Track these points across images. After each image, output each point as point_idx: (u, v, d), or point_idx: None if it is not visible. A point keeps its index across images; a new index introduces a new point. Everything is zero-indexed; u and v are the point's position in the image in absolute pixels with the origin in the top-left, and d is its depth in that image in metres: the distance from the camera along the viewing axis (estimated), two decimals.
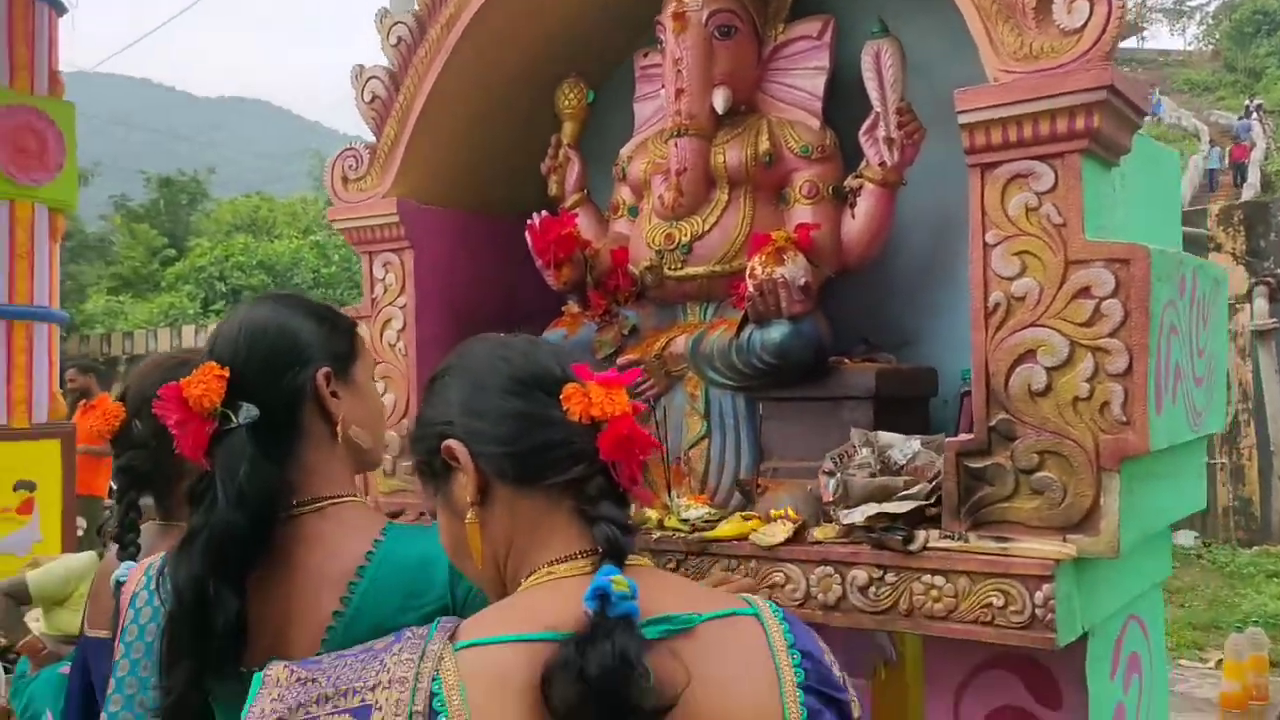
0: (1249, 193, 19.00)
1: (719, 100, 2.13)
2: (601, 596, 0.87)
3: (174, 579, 1.26)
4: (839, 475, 1.82)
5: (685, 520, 1.96)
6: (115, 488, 2.11)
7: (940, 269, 2.17)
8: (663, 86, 2.22)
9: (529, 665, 0.87)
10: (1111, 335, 1.59)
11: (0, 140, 4.91)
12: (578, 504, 0.99)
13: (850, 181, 2.08)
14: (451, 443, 1.05)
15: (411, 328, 2.40)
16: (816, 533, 1.83)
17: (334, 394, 1.37)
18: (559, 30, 2.42)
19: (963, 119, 1.68)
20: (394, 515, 2.27)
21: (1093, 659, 1.71)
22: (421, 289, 2.41)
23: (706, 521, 1.94)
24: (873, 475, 1.80)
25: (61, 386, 5.84)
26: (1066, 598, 1.58)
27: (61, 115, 5.20)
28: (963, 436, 1.73)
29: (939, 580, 1.67)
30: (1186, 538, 10.33)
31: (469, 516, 1.04)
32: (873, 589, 1.73)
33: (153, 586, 1.47)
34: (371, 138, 2.45)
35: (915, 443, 1.85)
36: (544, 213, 2.29)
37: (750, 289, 1.96)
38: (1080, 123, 1.60)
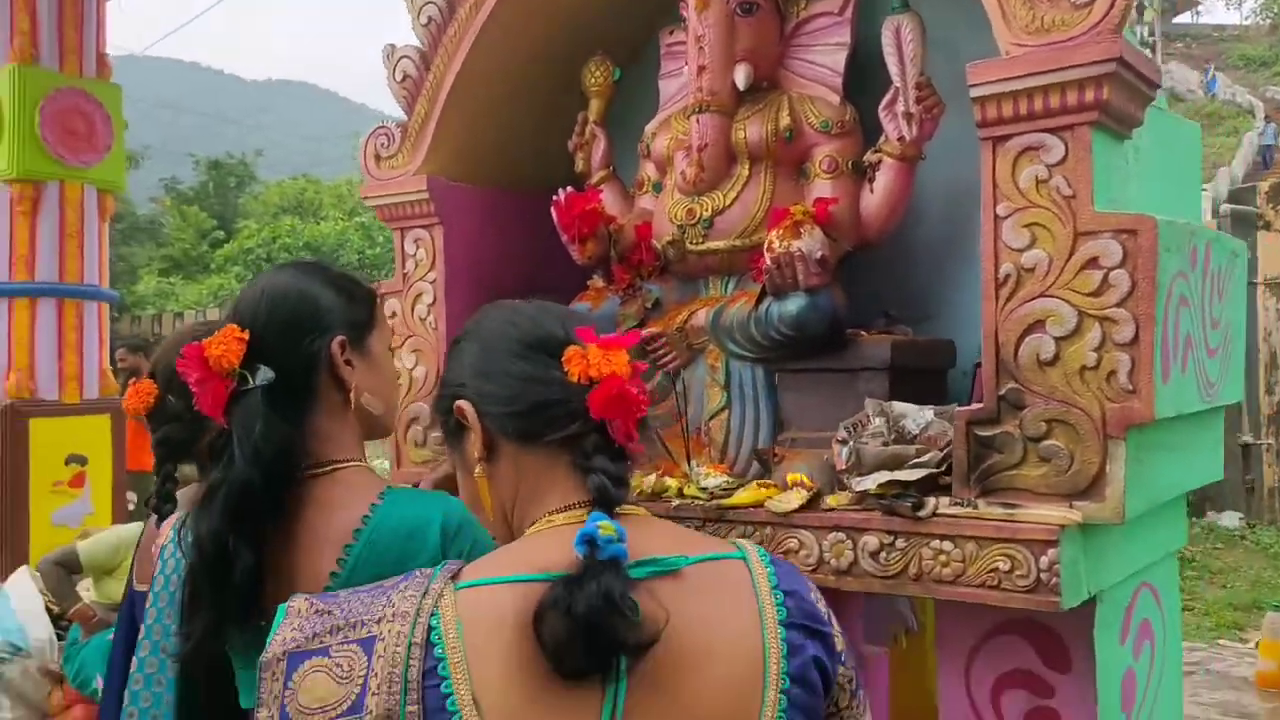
0: None
1: (740, 77, 2.17)
2: (589, 541, 0.93)
3: (195, 532, 1.33)
4: (852, 444, 1.86)
5: (704, 488, 2.01)
6: (155, 460, 2.20)
7: (960, 243, 2.19)
8: (686, 63, 2.26)
9: (524, 603, 0.93)
10: (1119, 305, 1.61)
11: (50, 123, 5.03)
12: (574, 459, 1.05)
13: (869, 156, 2.11)
14: (462, 403, 1.12)
15: (441, 302, 2.46)
16: (830, 500, 1.87)
17: (348, 362, 1.42)
18: (585, 9, 2.46)
19: (974, 92, 1.71)
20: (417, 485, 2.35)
21: (1101, 624, 1.74)
22: (451, 264, 2.47)
23: (724, 489, 1.99)
24: (885, 444, 1.84)
25: (112, 365, 5.99)
26: (1072, 562, 1.61)
27: (109, 98, 5.32)
28: (973, 405, 1.76)
29: (947, 545, 1.70)
30: (1231, 519, 10.21)
31: (477, 471, 1.12)
32: (883, 554, 1.77)
33: (176, 540, 1.54)
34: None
35: (928, 412, 1.88)
36: (569, 189, 2.34)
37: (768, 262, 2.00)
38: (1090, 95, 1.62)
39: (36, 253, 5.13)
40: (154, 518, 2.16)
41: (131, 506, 5.85)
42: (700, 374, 2.22)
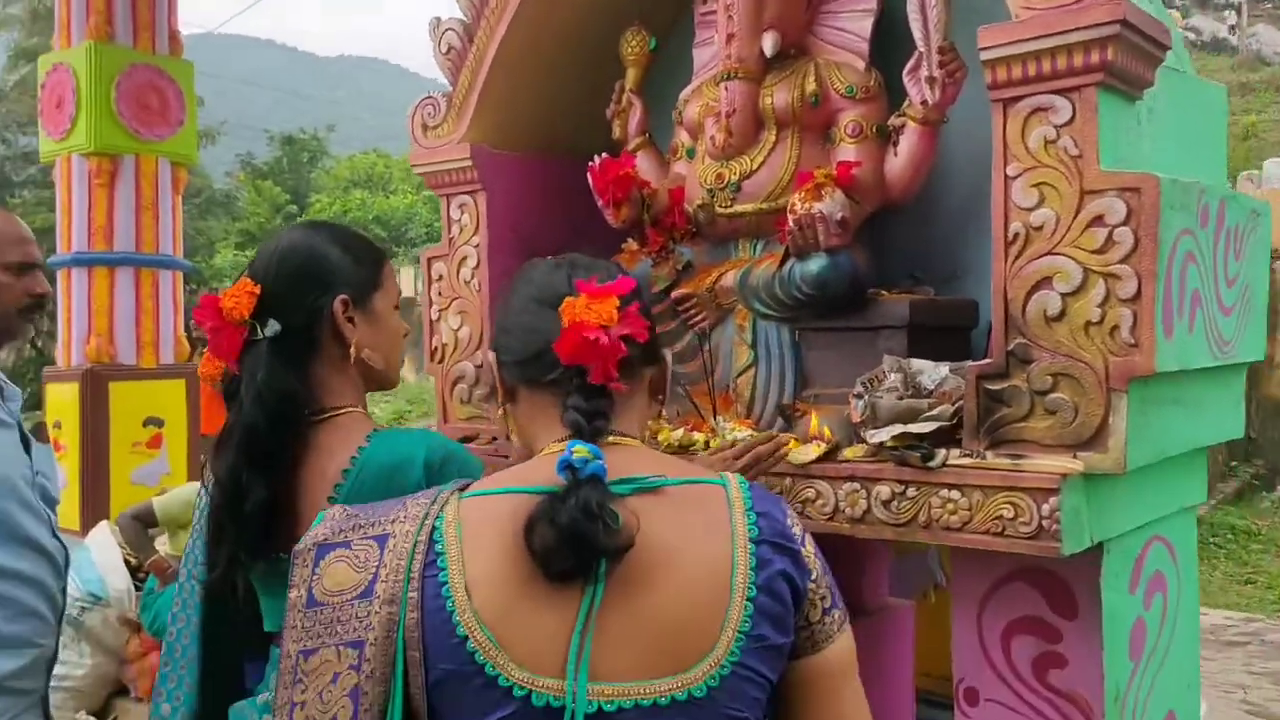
0: None
1: (768, 44, 2.23)
2: (567, 466, 1.05)
3: (213, 469, 1.47)
4: (868, 398, 1.93)
5: (730, 442, 2.09)
6: None
7: (985, 205, 2.22)
8: (717, 32, 2.33)
9: (518, 511, 1.05)
10: (1122, 261, 1.66)
11: (125, 98, 5.24)
12: (562, 399, 1.16)
13: (893, 120, 2.16)
14: (489, 354, 1.26)
15: (485, 265, 2.57)
16: (847, 452, 1.95)
17: (350, 320, 1.53)
18: None
19: (984, 55, 1.76)
20: (467, 440, 2.47)
21: (1109, 572, 1.80)
22: (494, 229, 2.58)
23: None
24: (900, 398, 1.91)
25: (188, 333, 6.23)
26: (1073, 510, 1.67)
27: (181, 73, 5.52)
28: (983, 361, 1.83)
29: (955, 494, 1.77)
30: None
31: (500, 412, 1.28)
32: (894, 503, 1.84)
33: (203, 483, 1.69)
34: None
35: (944, 369, 1.95)
36: (605, 155, 2.43)
37: (790, 224, 2.07)
38: (1095, 56, 1.66)
39: (114, 224, 5.35)
40: None
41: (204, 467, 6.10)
42: (729, 333, 2.30)
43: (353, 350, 1.53)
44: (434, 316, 2.66)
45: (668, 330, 2.33)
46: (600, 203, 2.41)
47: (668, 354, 2.28)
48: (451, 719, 1.02)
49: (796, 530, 1.14)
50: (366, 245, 1.64)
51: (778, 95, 2.24)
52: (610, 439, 1.14)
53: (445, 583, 1.04)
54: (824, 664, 1.14)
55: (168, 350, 5.57)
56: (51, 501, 2.11)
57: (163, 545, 4.41)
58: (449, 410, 2.64)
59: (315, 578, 1.08)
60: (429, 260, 2.69)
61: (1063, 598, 1.82)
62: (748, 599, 1.05)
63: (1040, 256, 1.74)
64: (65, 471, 5.16)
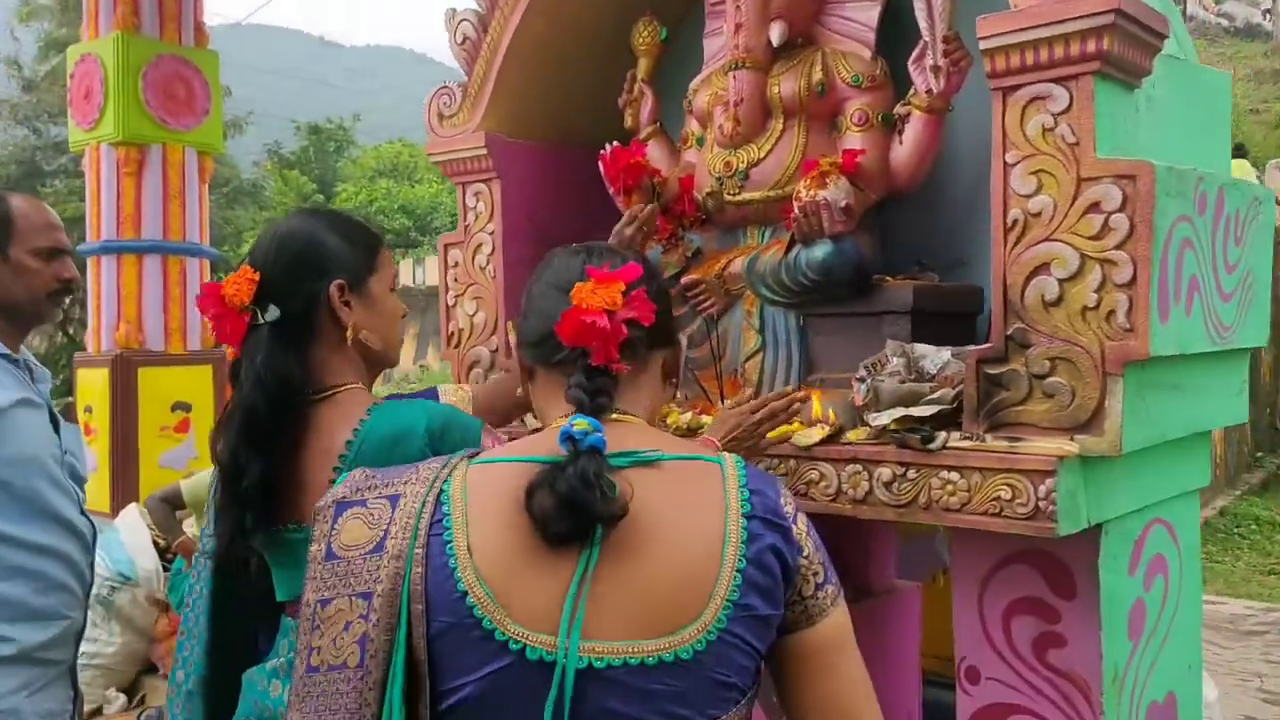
0: None
1: (775, 34, 2.26)
2: (568, 437, 1.10)
3: (214, 449, 1.53)
4: (870, 381, 1.96)
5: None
6: None
7: (990, 193, 2.26)
8: (725, 22, 2.36)
9: (521, 479, 1.11)
10: (1118, 248, 1.69)
11: (152, 88, 5.32)
12: (568, 378, 1.21)
13: (899, 109, 2.20)
14: (511, 337, 1.31)
15: (499, 252, 2.62)
16: (850, 435, 1.99)
17: (346, 303, 1.59)
18: None
19: (984, 44, 1.79)
20: None
21: (1107, 554, 1.83)
22: (508, 216, 2.63)
23: None
24: (902, 382, 1.94)
25: None
26: (1069, 492, 1.71)
27: (207, 64, 5.60)
28: (983, 345, 1.86)
29: (954, 476, 1.81)
30: None
31: (519, 391, 1.35)
32: (895, 484, 1.88)
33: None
34: None
35: (946, 353, 1.98)
36: (616, 144, 2.47)
37: (795, 211, 2.11)
38: (1091, 45, 1.69)
39: (142, 212, 5.44)
40: None
41: None
42: (737, 318, 2.35)
43: (350, 332, 1.59)
44: (450, 302, 2.71)
45: (678, 315, 2.37)
46: (611, 190, 2.45)
47: (683, 338, 2.33)
48: (450, 668, 1.08)
49: (789, 509, 1.19)
50: (362, 230, 1.69)
51: (785, 84, 2.27)
52: (614, 416, 1.20)
53: (449, 541, 1.10)
54: (819, 637, 1.18)
55: (195, 336, 5.66)
56: (80, 480, 2.18)
57: (190, 527, 4.49)
58: None
59: (334, 533, 1.15)
60: (445, 247, 2.75)
61: (1062, 578, 1.86)
62: (737, 570, 1.10)
63: (1038, 243, 1.77)
64: (96, 455, 5.26)
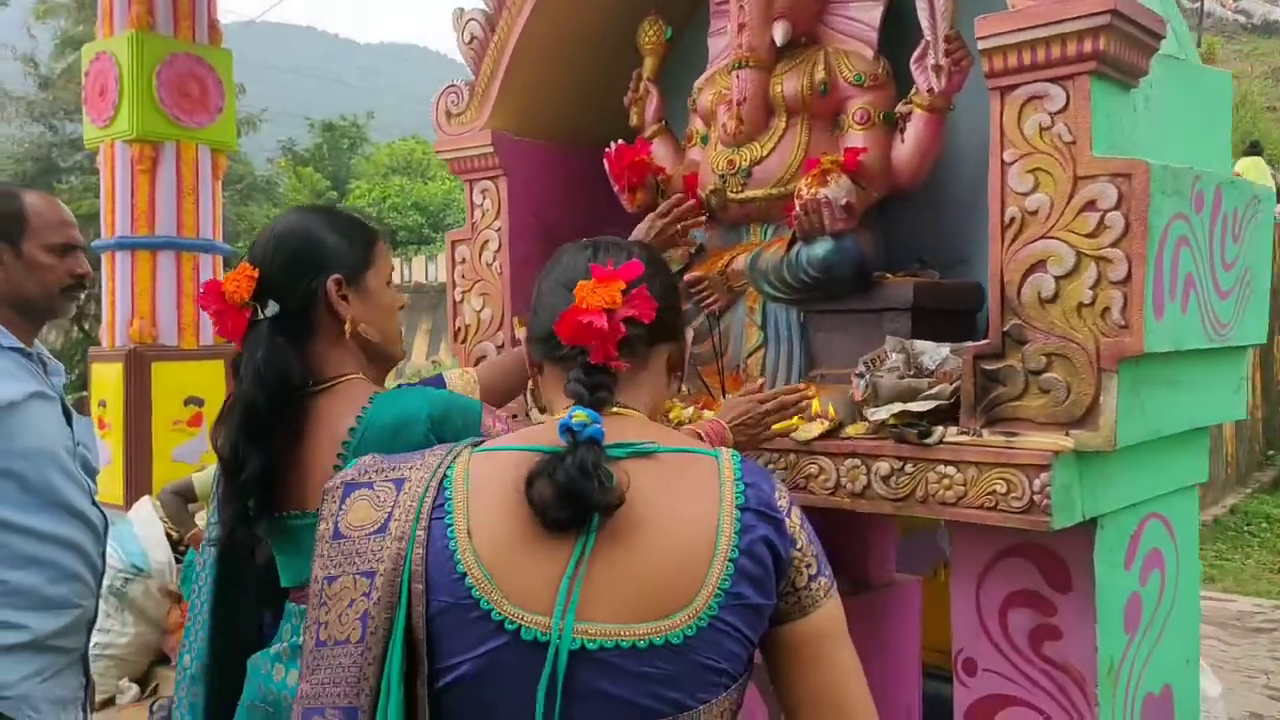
0: None
1: (778, 33, 2.29)
2: (566, 428, 1.13)
3: (214, 442, 1.57)
4: (869, 377, 1.99)
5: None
6: None
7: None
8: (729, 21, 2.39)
9: (522, 467, 1.14)
10: (1113, 245, 1.71)
11: (166, 86, 5.38)
12: (568, 373, 1.25)
13: (900, 108, 2.22)
14: (519, 332, 1.34)
15: (506, 249, 2.65)
16: (849, 430, 2.01)
17: (343, 298, 1.62)
18: None
19: (981, 44, 1.81)
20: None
21: (1102, 548, 1.85)
22: (515, 213, 2.66)
23: None
24: (901, 378, 1.97)
25: None
26: (1064, 486, 1.73)
27: (220, 62, 5.65)
28: (980, 342, 1.88)
29: (951, 470, 1.83)
30: None
31: (530, 385, 1.39)
32: (893, 478, 1.91)
33: None
34: None
35: (945, 349, 2.00)
36: (621, 142, 2.50)
37: (796, 208, 2.13)
38: (1088, 45, 1.70)
39: (156, 208, 5.50)
40: None
41: None
42: (740, 315, 2.37)
43: (348, 326, 1.62)
44: (457, 298, 2.75)
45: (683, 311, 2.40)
46: (616, 188, 2.48)
47: (688, 333, 2.35)
48: (448, 646, 1.11)
49: (782, 502, 1.21)
50: (358, 226, 1.73)
51: (788, 83, 2.30)
52: (614, 410, 1.23)
53: (450, 525, 1.14)
54: (812, 628, 1.21)
55: (208, 332, 5.71)
56: (92, 471, 2.22)
57: (202, 519, 4.55)
58: None
59: (341, 513, 1.19)
60: (453, 243, 2.78)
61: (1057, 572, 1.88)
62: (729, 559, 1.13)
63: (1035, 240, 1.79)
64: (110, 449, 5.33)
